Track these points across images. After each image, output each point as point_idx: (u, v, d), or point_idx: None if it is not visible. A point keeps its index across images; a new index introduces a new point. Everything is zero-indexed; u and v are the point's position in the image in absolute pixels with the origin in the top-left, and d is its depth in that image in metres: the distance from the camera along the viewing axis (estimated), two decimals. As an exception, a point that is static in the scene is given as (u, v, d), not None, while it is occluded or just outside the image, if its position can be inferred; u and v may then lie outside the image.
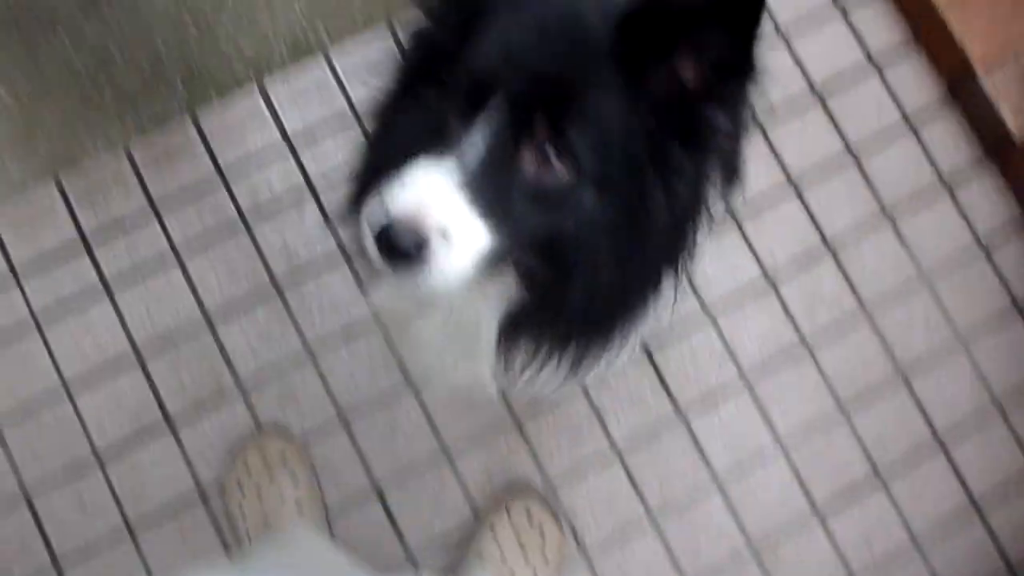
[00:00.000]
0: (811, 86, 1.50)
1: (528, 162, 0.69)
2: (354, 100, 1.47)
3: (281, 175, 1.44)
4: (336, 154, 1.44)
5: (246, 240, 1.42)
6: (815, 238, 1.46)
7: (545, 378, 0.90)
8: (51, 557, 1.35)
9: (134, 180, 1.44)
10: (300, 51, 1.52)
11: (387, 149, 0.82)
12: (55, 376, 1.39)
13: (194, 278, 1.42)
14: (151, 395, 1.38)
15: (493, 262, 0.71)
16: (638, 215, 0.72)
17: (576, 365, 0.88)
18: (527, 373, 0.89)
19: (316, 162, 1.44)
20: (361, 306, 1.40)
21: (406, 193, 0.66)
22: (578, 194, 0.70)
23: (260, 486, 1.32)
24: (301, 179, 1.44)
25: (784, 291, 1.44)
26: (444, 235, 0.66)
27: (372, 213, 0.67)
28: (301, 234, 1.43)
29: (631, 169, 0.70)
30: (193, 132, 1.46)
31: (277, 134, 1.45)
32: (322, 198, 1.44)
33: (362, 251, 0.73)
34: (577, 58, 0.69)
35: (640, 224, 0.72)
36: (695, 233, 0.82)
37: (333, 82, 1.48)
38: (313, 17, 1.53)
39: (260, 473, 1.33)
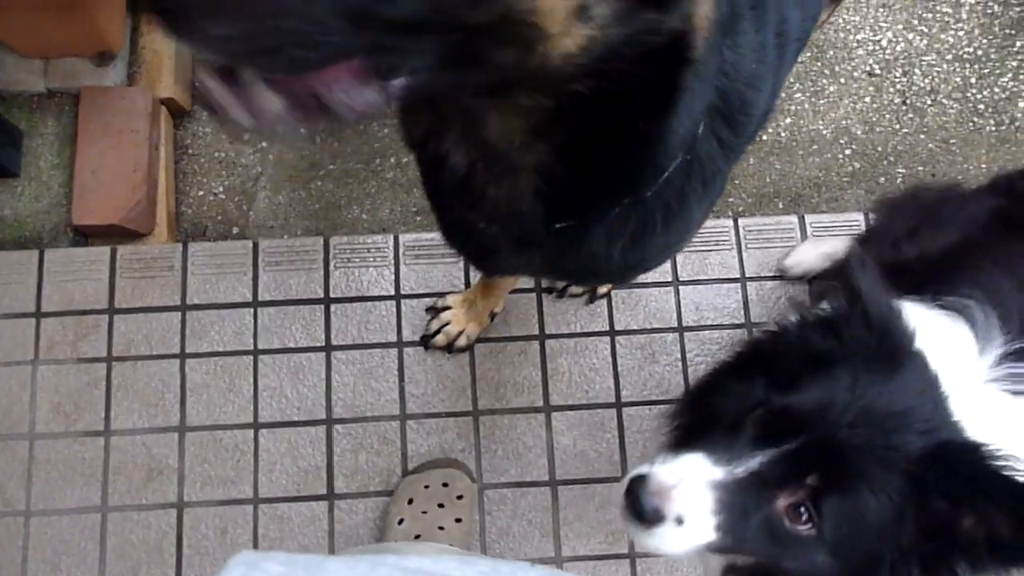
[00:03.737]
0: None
1: (781, 502, 0.74)
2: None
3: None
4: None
5: (465, 358, 1.49)
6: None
7: None
8: (177, 566, 1.40)
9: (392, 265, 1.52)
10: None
11: (698, 413, 0.90)
12: (251, 411, 1.46)
13: (406, 366, 1.48)
14: (325, 462, 1.44)
15: (714, 551, 0.77)
16: None
17: None
18: None
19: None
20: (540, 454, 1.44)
21: (670, 471, 0.75)
22: (811, 549, 0.75)
23: (429, 507, 1.34)
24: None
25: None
26: (679, 521, 0.73)
27: (638, 466, 0.75)
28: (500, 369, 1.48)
29: (870, 558, 0.74)
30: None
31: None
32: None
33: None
34: (881, 454, 0.72)
35: None
36: None
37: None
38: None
39: (436, 496, 1.35)
